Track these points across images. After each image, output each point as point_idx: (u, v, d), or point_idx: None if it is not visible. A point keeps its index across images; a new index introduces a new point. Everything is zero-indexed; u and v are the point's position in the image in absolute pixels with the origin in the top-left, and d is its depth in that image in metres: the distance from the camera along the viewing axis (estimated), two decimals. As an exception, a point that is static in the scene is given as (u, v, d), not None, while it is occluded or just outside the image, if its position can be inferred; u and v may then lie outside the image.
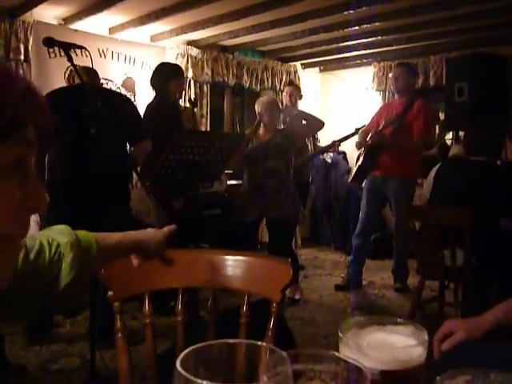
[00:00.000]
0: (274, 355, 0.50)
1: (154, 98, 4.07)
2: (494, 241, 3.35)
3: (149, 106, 4.07)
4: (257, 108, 4.52)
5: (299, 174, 5.41)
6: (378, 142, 4.66)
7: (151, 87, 4.11)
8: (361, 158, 4.87)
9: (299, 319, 4.14)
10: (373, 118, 5.04)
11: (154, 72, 4.10)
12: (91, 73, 3.45)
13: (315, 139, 5.91)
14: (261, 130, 4.49)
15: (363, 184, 5.01)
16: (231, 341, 0.53)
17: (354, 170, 4.98)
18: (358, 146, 4.96)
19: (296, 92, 5.71)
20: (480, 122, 3.91)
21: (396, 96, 4.97)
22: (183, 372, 0.43)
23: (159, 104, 3.93)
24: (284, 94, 5.77)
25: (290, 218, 4.37)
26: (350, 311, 4.42)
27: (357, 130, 5.53)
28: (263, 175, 4.30)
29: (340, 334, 0.72)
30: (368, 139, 4.85)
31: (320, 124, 5.10)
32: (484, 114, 4.48)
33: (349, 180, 5.21)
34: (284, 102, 5.75)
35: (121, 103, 3.52)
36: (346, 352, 0.68)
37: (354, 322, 0.77)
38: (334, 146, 5.54)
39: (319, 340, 3.65)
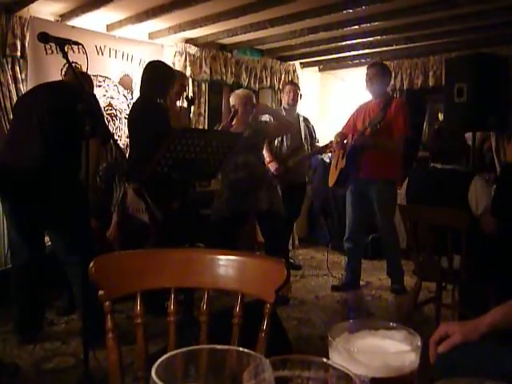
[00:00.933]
0: (257, 362, 0.48)
1: (145, 96, 3.99)
2: (480, 244, 3.36)
3: (139, 105, 4.00)
4: (231, 101, 4.50)
5: (295, 174, 5.38)
6: (362, 143, 4.60)
7: (148, 86, 4.02)
8: (341, 162, 4.81)
9: (295, 320, 4.12)
10: (349, 121, 4.99)
11: (158, 74, 3.97)
12: (83, 78, 3.44)
13: (313, 139, 5.85)
14: (234, 124, 4.48)
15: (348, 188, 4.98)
16: (213, 347, 0.50)
17: (336, 174, 4.92)
18: (335, 149, 4.92)
19: (297, 91, 5.66)
20: (444, 131, 3.93)
21: (371, 97, 4.86)
22: (158, 381, 0.41)
23: (150, 104, 3.87)
24: (286, 92, 5.69)
25: (269, 209, 4.35)
26: (347, 312, 4.40)
27: None
28: (234, 169, 4.31)
29: (330, 339, 0.69)
30: (347, 141, 4.81)
31: (290, 126, 4.99)
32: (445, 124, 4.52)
33: (330, 185, 5.15)
34: (285, 100, 5.67)
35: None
36: (336, 358, 0.66)
37: (345, 327, 0.74)
38: (332, 146, 5.48)
39: (315, 341, 3.62)
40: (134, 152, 3.96)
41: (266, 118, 5.55)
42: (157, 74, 3.96)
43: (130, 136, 4.16)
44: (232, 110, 4.45)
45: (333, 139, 5.30)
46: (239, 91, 4.64)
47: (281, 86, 6.91)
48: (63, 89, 3.51)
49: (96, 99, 3.69)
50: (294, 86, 5.76)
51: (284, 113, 5.53)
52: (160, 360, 0.44)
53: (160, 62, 4.29)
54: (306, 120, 5.83)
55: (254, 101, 4.61)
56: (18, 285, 3.50)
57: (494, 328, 1.41)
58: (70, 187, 3.34)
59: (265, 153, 5.20)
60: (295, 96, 5.57)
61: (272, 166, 5.18)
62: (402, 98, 6.48)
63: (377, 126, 4.48)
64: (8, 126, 4.75)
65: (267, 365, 0.47)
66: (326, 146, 5.51)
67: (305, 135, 5.65)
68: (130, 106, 4.81)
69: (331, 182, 5.03)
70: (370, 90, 4.81)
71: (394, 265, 4.88)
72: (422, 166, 4.01)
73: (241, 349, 0.50)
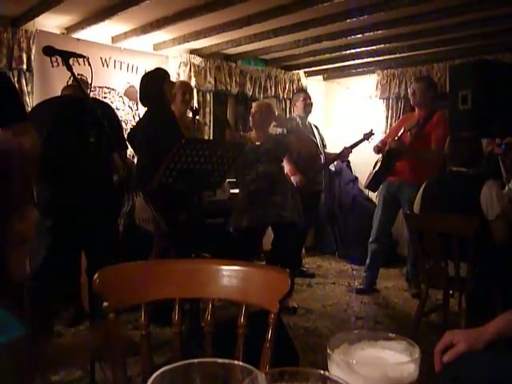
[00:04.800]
0: (252, 376, 0.48)
1: (150, 106, 4.00)
2: (487, 252, 3.34)
3: (149, 118, 4.00)
4: (252, 109, 4.54)
5: (312, 183, 5.37)
6: (396, 148, 4.76)
7: (146, 98, 4.03)
8: (378, 165, 4.94)
9: (302, 329, 4.10)
10: (391, 130, 5.27)
11: (148, 81, 4.01)
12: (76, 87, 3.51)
13: (324, 147, 5.80)
14: (253, 133, 4.49)
15: (379, 190, 5.12)
16: (208, 360, 0.50)
17: (371, 176, 5.03)
18: (377, 149, 5.03)
19: (310, 99, 5.62)
20: (459, 134, 3.93)
21: (416, 109, 5.06)
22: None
23: (159, 112, 3.88)
24: (301, 100, 5.58)
25: (292, 220, 4.33)
26: (354, 320, 4.38)
27: (365, 136, 5.54)
28: (255, 179, 4.30)
29: (328, 351, 0.69)
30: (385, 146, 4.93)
31: (309, 141, 4.94)
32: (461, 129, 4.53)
33: (364, 185, 5.30)
34: (299, 109, 5.57)
35: (110, 112, 3.55)
36: (335, 369, 0.66)
37: (345, 338, 0.74)
38: (346, 152, 5.50)
39: (322, 350, 3.58)
40: (146, 162, 3.94)
41: (279, 129, 5.54)
42: (150, 82, 3.98)
43: (140, 146, 4.11)
44: (251, 118, 4.50)
45: (346, 146, 5.47)
46: (260, 101, 4.71)
47: (285, 95, 6.94)
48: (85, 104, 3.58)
49: (117, 115, 3.75)
50: (307, 93, 5.73)
51: (299, 121, 5.47)
52: (155, 374, 0.44)
53: (152, 70, 4.27)
54: (317, 128, 5.82)
55: (276, 112, 4.64)
56: (31, 299, 3.47)
57: (498, 336, 1.40)
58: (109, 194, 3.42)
59: (286, 165, 5.06)
60: (309, 104, 5.54)
61: (294, 179, 5.07)
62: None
63: (413, 129, 4.64)
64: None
65: (262, 379, 0.47)
66: (341, 153, 5.52)
67: (318, 144, 5.63)
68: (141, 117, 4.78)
69: (364, 183, 5.24)
70: (412, 102, 5.02)
71: (416, 269, 4.94)
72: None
73: (236, 362, 0.50)
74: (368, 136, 5.54)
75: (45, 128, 3.39)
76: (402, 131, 4.80)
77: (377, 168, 4.94)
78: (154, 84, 3.95)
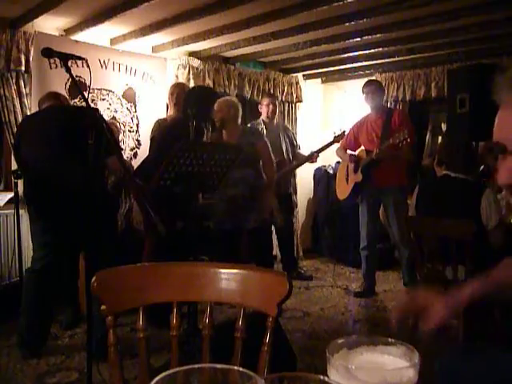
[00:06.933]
0: (251, 381, 0.48)
1: (191, 116, 3.96)
2: (485, 255, 3.34)
3: (173, 121, 4.03)
4: (216, 107, 4.18)
5: (279, 186, 5.36)
6: (387, 157, 4.70)
7: (191, 107, 3.98)
8: (354, 175, 4.93)
9: (300, 332, 4.10)
10: (349, 136, 5.22)
11: (213, 102, 4.04)
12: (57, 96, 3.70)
13: (295, 147, 5.83)
14: (224, 133, 4.43)
15: (358, 198, 5.10)
16: (203, 365, 0.50)
17: (349, 187, 5.02)
18: (355, 166, 5.02)
19: (275, 103, 5.71)
20: (454, 140, 3.95)
21: (371, 111, 5.08)
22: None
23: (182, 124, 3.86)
24: (264, 105, 5.70)
25: (264, 221, 4.37)
26: (352, 323, 4.38)
27: (335, 138, 5.55)
28: (234, 184, 4.27)
29: (328, 355, 0.69)
30: (359, 155, 5.00)
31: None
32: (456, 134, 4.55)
33: (341, 198, 5.25)
34: (264, 114, 5.68)
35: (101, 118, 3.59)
36: (334, 374, 0.65)
37: (344, 343, 0.74)
38: (313, 156, 5.58)
39: (320, 353, 3.58)
40: (152, 160, 3.96)
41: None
42: (198, 97, 3.96)
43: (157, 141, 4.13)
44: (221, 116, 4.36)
45: (313, 150, 5.57)
46: (225, 98, 4.61)
47: (283, 98, 6.95)
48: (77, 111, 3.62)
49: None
50: (272, 98, 5.81)
51: (263, 126, 5.54)
52: (155, 380, 0.44)
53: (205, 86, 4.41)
54: (286, 129, 5.86)
55: (240, 109, 4.51)
56: (31, 296, 3.47)
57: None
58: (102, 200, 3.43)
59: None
60: (274, 109, 5.64)
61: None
62: (404, 108, 6.51)
63: (402, 141, 4.52)
64: (12, 140, 4.76)
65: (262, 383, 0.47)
66: (307, 157, 5.61)
67: (286, 147, 5.65)
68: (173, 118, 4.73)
69: (342, 195, 5.16)
70: (370, 105, 5.03)
71: (413, 273, 4.93)
72: (431, 174, 4.04)
73: (236, 367, 0.50)
74: (339, 138, 5.55)
75: (49, 142, 3.41)
76: (392, 142, 4.57)
77: (359, 179, 4.92)
78: (207, 107, 3.93)
